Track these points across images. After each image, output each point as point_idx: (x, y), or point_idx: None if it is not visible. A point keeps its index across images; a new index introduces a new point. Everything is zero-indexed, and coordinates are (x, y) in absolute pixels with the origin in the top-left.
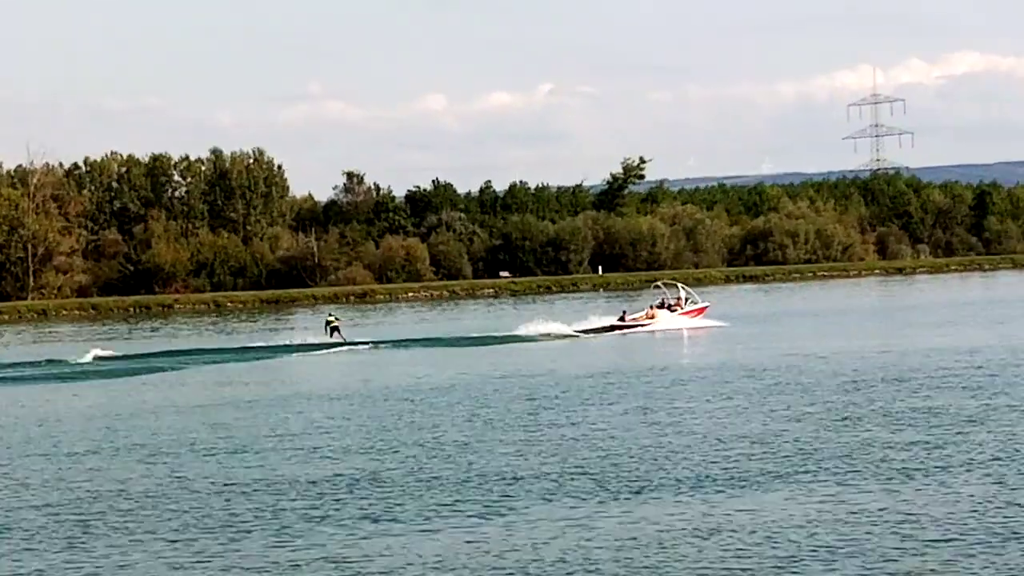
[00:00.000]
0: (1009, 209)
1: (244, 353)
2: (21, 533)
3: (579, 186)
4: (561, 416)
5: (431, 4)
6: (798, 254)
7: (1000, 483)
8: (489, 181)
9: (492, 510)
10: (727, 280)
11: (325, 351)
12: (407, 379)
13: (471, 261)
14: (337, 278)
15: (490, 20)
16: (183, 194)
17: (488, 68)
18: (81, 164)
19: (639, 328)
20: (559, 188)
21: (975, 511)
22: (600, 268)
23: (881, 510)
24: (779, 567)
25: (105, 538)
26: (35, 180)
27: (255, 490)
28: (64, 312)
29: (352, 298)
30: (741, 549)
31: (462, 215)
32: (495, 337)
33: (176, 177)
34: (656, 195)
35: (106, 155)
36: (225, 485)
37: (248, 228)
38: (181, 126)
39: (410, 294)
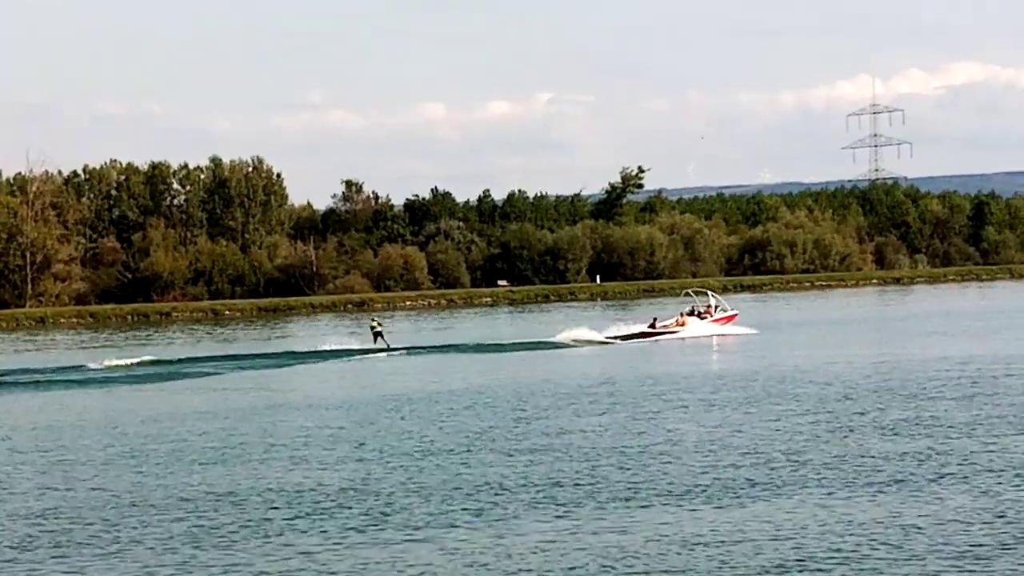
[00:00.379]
0: (1007, 219)
1: (284, 359)
2: (5, 542)
3: (577, 195)
4: (555, 424)
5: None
6: (796, 264)
7: (990, 495)
8: (488, 190)
9: (481, 519)
10: (725, 290)
11: (362, 356)
12: (429, 386)
13: (469, 270)
14: (335, 286)
15: (489, 29)
16: (182, 202)
17: (487, 77)
18: (80, 172)
19: (669, 335)
20: (557, 197)
21: (965, 523)
22: (598, 277)
23: (871, 521)
24: None
25: (89, 547)
26: (34, 188)
27: (243, 499)
28: (62, 320)
29: (350, 306)
30: (729, 559)
31: (460, 224)
32: (531, 344)
33: (175, 185)
34: (654, 204)
35: (105, 163)
36: (220, 493)
37: (246, 236)
38: (181, 133)
39: (408, 303)
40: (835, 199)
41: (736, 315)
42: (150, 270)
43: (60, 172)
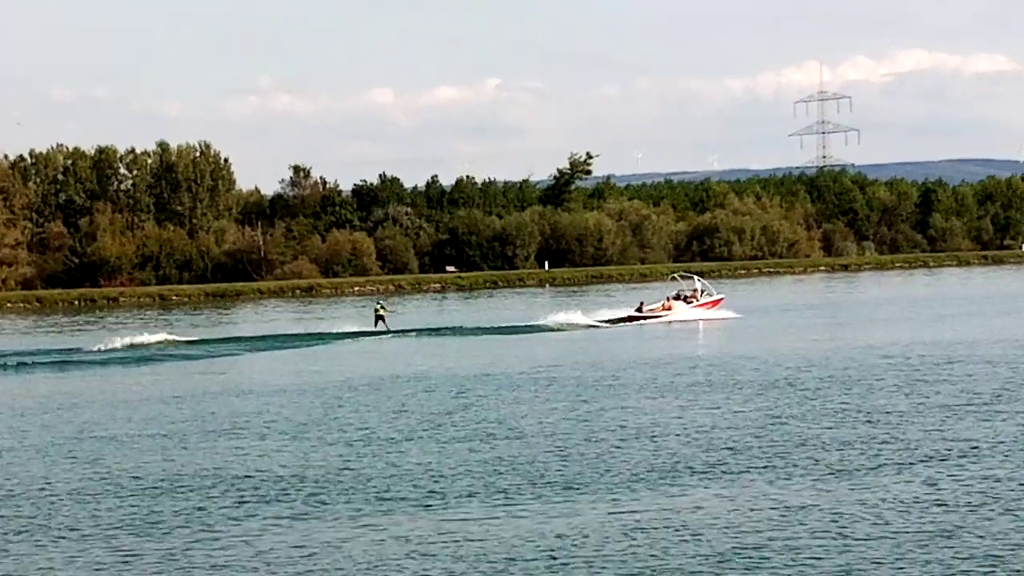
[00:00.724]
0: (954, 207)
1: (288, 341)
2: None
3: (526, 181)
4: (504, 411)
5: None
6: (744, 250)
7: (931, 483)
8: (436, 175)
9: (422, 507)
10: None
11: (363, 338)
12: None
13: (417, 255)
14: (283, 272)
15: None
16: (129, 187)
17: (435, 62)
18: (26, 156)
19: (656, 319)
20: (506, 183)
21: (906, 510)
22: (547, 263)
23: (813, 508)
24: (708, 565)
25: (26, 536)
26: None
27: (183, 486)
28: (8, 305)
29: (298, 292)
30: (671, 547)
31: (408, 209)
32: (522, 327)
33: (122, 170)
34: (603, 190)
35: (52, 147)
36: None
37: (194, 221)
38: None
39: (356, 288)
40: (783, 186)
41: (722, 299)
42: (97, 255)
43: (6, 156)
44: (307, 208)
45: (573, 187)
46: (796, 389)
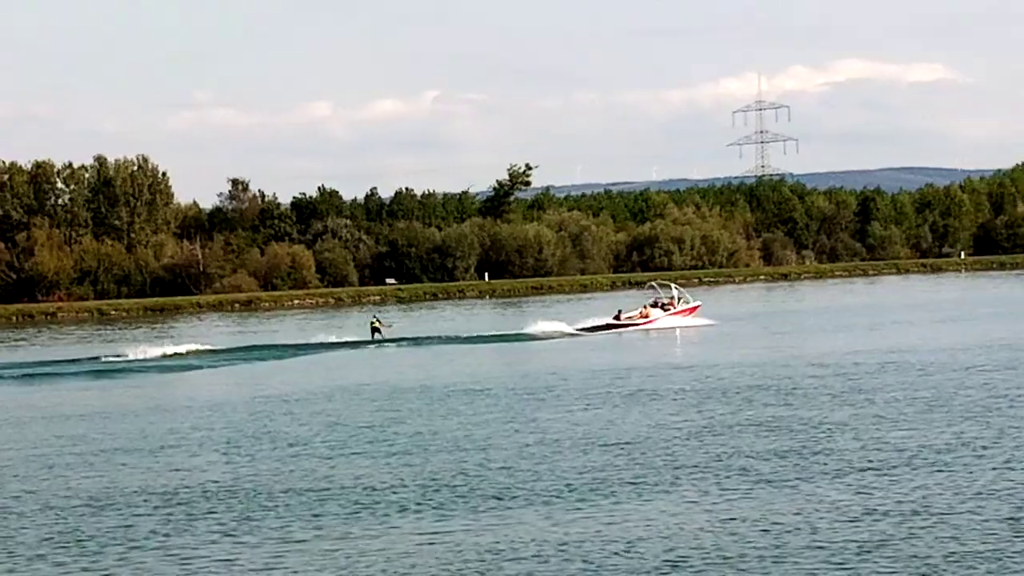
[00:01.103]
0: (892, 215)
1: (283, 351)
2: None
3: (465, 193)
4: (441, 423)
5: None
6: (684, 260)
7: (865, 492)
8: (375, 188)
9: (353, 521)
10: (613, 286)
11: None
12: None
13: (357, 268)
14: (222, 285)
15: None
16: (66, 201)
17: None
18: None
19: (634, 327)
20: (445, 195)
21: (840, 520)
22: (487, 275)
23: (746, 519)
24: None
25: None
26: None
27: (110, 502)
28: None
29: (237, 305)
30: (604, 559)
31: (348, 222)
32: (507, 336)
33: (59, 184)
34: (542, 202)
35: None
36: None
37: (132, 236)
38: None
39: (296, 301)
40: (722, 195)
41: (698, 307)
42: (34, 270)
43: None
44: (246, 221)
45: (513, 199)
46: (736, 398)
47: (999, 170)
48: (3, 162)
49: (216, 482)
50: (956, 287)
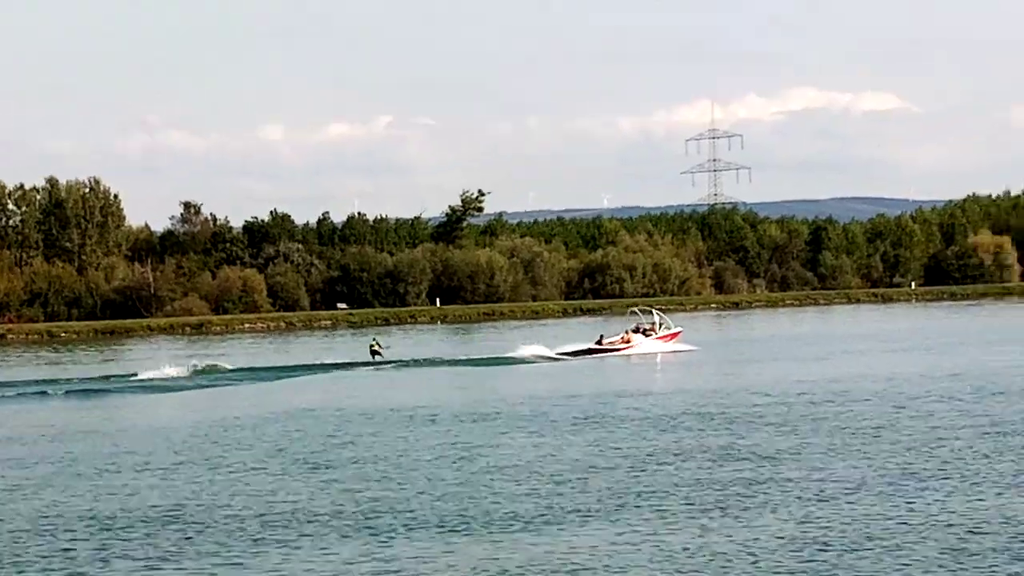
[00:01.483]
0: (844, 244)
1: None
2: None
3: (418, 218)
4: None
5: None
6: (636, 287)
7: (808, 522)
8: (327, 212)
9: (292, 548)
10: (565, 313)
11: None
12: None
13: (309, 292)
14: (173, 309)
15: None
16: (17, 223)
17: (327, 99)
18: None
19: (616, 352)
20: (397, 220)
21: (782, 549)
22: (438, 300)
23: (689, 548)
24: None
25: None
26: None
27: (48, 528)
28: None
29: (188, 329)
30: None
31: (300, 246)
32: (493, 359)
33: (10, 206)
34: (495, 228)
35: None
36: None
37: (83, 258)
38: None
39: (247, 325)
40: (674, 223)
41: (680, 332)
42: None
43: None
44: (197, 245)
45: (465, 224)
46: (690, 425)
47: (950, 200)
48: None
49: (156, 506)
50: (906, 317)
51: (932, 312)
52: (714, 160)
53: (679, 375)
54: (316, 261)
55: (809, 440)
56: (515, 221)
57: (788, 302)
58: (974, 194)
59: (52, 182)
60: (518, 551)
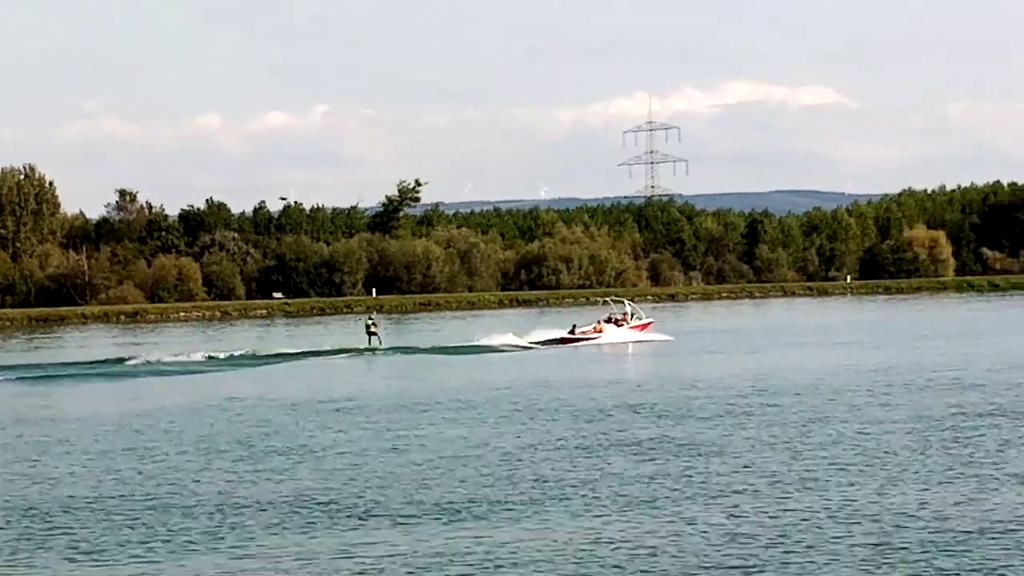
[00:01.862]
0: (780, 238)
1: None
2: None
3: (354, 208)
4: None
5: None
6: (572, 279)
7: (736, 515)
8: (263, 201)
9: (214, 540)
10: (501, 304)
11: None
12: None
13: (244, 281)
14: (108, 296)
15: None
16: None
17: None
18: None
19: (588, 341)
20: (334, 209)
21: (711, 542)
22: (374, 290)
23: (613, 540)
24: None
25: None
26: None
27: None
28: None
29: (123, 317)
30: None
31: (236, 235)
32: (465, 347)
33: None
34: (431, 218)
35: None
36: None
37: (17, 245)
38: None
39: (182, 314)
40: (611, 215)
41: (651, 323)
42: None
43: None
44: (133, 232)
45: (401, 214)
46: (628, 415)
47: (886, 195)
48: None
49: (76, 497)
50: (841, 310)
51: (866, 306)
52: (651, 152)
53: (644, 365)
54: (252, 250)
55: (738, 433)
56: (452, 212)
57: (724, 295)
58: (910, 188)
59: None
60: (439, 543)
